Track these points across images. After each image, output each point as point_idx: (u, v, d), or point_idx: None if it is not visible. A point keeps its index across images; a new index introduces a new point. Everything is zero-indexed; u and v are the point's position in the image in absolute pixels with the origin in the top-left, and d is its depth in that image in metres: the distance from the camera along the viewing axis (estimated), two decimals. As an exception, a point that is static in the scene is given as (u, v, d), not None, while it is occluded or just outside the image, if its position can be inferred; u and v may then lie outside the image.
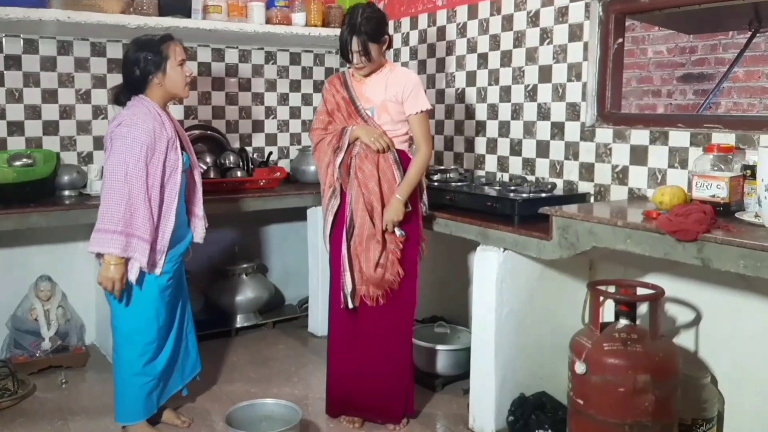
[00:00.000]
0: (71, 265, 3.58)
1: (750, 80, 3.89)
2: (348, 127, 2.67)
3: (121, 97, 2.62)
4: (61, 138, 3.55)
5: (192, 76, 2.65)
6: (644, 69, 4.33)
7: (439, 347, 3.14)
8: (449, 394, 3.10)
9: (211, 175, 3.59)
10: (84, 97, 3.59)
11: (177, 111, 3.79)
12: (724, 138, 2.41)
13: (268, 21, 3.71)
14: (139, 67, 2.53)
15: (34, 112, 3.48)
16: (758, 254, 1.82)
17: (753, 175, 2.15)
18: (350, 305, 2.66)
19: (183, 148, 2.63)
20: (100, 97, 3.62)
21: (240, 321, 3.88)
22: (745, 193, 2.21)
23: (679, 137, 2.56)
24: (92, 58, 3.58)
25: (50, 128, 3.52)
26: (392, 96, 2.65)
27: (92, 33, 3.47)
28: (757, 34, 3.69)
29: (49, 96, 3.51)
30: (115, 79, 3.60)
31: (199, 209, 2.76)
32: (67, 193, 3.32)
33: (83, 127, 3.60)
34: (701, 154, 2.39)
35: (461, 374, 3.09)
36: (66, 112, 3.55)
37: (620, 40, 2.85)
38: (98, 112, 3.63)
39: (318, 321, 3.79)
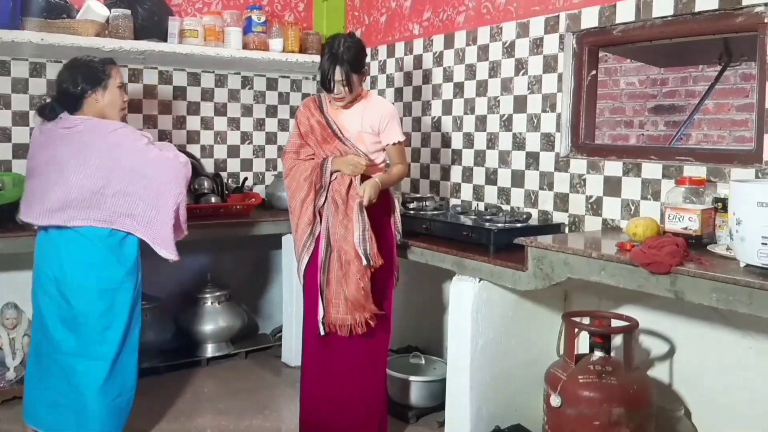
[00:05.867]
0: (38, 291, 3.48)
1: (720, 112, 3.97)
2: (327, 162, 2.64)
3: (47, 111, 2.56)
4: (30, 161, 3.48)
5: (127, 102, 2.66)
6: (617, 100, 4.40)
7: (412, 378, 3.10)
8: (423, 426, 3.05)
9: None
10: (55, 120, 3.53)
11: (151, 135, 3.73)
12: (695, 170, 2.45)
13: (245, 46, 3.71)
14: (77, 83, 2.50)
15: (4, 135, 3.41)
16: (730, 287, 1.83)
17: (724, 208, 2.17)
18: (321, 332, 2.62)
19: None
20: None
21: (211, 350, 3.80)
22: (717, 225, 2.23)
23: (652, 169, 2.59)
24: (65, 81, 3.53)
25: (20, 151, 3.44)
26: (368, 127, 2.65)
27: (66, 55, 3.38)
28: (727, 68, 3.78)
29: (20, 118, 3.45)
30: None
31: None
32: (35, 217, 3.25)
33: (54, 151, 3.53)
34: (673, 187, 2.41)
35: (436, 406, 3.05)
36: (36, 136, 3.49)
37: (593, 71, 2.89)
38: (70, 135, 3.57)
39: (292, 351, 3.72)
